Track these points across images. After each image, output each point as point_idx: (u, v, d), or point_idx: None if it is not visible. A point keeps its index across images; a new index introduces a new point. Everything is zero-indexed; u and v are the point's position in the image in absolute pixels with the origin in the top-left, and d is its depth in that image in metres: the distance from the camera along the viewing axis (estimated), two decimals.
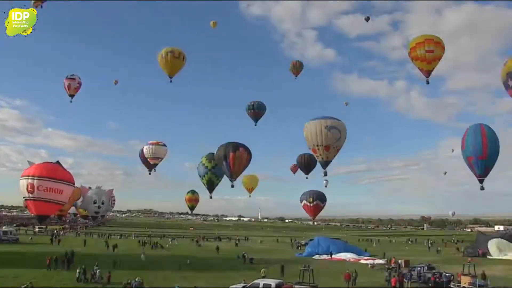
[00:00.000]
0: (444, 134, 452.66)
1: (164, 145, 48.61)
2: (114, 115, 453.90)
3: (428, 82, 29.98)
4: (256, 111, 42.69)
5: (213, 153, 36.04)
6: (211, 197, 39.24)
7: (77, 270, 21.07)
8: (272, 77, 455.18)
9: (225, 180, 35.33)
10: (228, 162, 31.86)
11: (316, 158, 33.46)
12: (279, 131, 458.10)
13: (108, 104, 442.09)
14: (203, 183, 39.04)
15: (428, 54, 29.18)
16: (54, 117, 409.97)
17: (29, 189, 27.18)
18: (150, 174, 49.00)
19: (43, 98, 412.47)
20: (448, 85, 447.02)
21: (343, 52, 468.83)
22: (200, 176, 38.79)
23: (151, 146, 47.75)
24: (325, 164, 32.53)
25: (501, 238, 39.89)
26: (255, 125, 43.13)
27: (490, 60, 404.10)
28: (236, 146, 32.13)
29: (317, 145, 31.27)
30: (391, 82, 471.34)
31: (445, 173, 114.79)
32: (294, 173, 60.21)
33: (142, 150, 48.49)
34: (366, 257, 37.19)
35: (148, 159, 46.93)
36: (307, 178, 42.59)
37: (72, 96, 43.68)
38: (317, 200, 41.30)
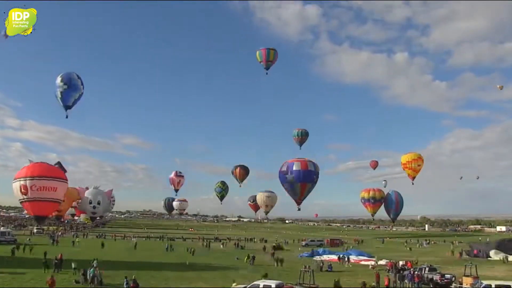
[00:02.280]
0: (450, 125, 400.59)
1: (186, 201, 78.05)
2: (90, 105, 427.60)
3: (413, 184, 49.72)
4: (302, 138, 52.01)
5: (224, 181, 66.50)
6: (221, 203, 69.99)
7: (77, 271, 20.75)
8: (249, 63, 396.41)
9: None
10: (235, 174, 57.61)
11: (265, 210, 60.88)
12: (279, 130, 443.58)
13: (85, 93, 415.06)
14: (218, 197, 67.46)
15: (417, 167, 49.19)
16: (22, 104, 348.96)
17: (22, 190, 26.88)
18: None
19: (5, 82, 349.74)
20: (454, 59, 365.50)
21: (328, 10, 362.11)
22: (216, 191, 66.72)
23: (180, 202, 76.49)
24: (266, 213, 63.10)
25: (497, 248, 39.01)
26: (300, 148, 53.27)
27: (504, 28, 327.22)
28: (237, 166, 57.82)
29: (267, 205, 59.15)
30: (390, 55, 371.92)
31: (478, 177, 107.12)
32: (374, 168, 69.36)
33: (171, 202, 76.89)
34: (366, 258, 36.99)
35: (178, 210, 78.15)
36: None
37: (177, 190, 68.31)
38: (255, 201, 65.73)
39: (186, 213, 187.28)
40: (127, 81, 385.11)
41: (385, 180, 79.36)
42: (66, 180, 31.66)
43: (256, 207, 68.07)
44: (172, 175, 67.36)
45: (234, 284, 19.11)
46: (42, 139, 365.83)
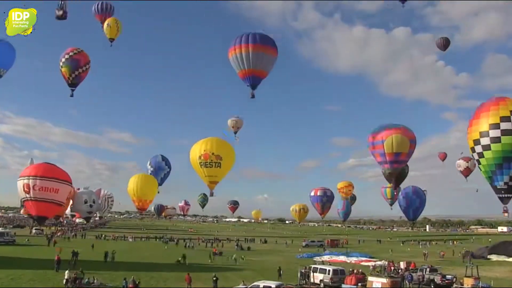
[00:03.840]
0: (454, 117, 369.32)
1: (174, 208, 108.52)
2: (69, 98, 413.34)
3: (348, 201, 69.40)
4: None
5: (205, 193, 76.82)
6: (202, 210, 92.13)
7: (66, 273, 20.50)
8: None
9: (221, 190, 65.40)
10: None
11: (234, 131, 49.63)
12: (281, 128, 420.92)
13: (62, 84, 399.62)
14: (200, 205, 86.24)
15: (349, 191, 66.81)
16: None
17: (25, 189, 27.14)
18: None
19: None
20: (462, 35, 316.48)
21: None
22: (199, 201, 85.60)
23: (169, 208, 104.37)
24: (235, 133, 48.31)
25: (497, 254, 38.08)
26: None
27: None
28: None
29: (233, 126, 46.77)
30: (388, 31, 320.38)
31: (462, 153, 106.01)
32: (443, 160, 63.85)
33: (160, 207, 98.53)
34: (367, 259, 36.80)
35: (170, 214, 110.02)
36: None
37: (185, 215, 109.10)
38: (232, 204, 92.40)
39: (186, 215, 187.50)
40: (107, 71, 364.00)
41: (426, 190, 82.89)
42: (70, 182, 31.64)
43: (234, 209, 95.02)
44: (182, 203, 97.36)
45: (241, 284, 19.14)
46: (24, 134, 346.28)
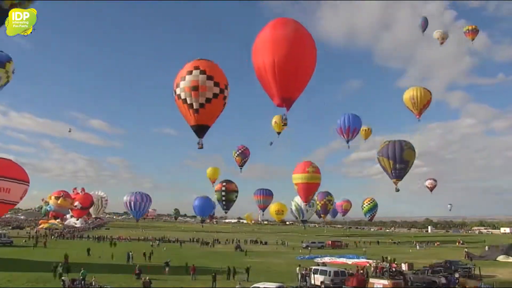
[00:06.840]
0: (461, 99, 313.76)
1: (155, 210, 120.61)
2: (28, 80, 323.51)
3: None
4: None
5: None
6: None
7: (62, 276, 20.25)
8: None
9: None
10: None
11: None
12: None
13: (23, 69, 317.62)
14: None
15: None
16: None
17: None
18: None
19: None
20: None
21: None
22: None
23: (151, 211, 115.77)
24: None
25: (504, 255, 37.24)
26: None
27: None
28: None
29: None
30: None
31: None
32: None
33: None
34: (367, 260, 36.46)
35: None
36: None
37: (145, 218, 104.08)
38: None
39: (186, 215, 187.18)
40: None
41: (450, 204, 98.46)
42: (27, 181, 28.51)
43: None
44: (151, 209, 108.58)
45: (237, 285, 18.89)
46: None
